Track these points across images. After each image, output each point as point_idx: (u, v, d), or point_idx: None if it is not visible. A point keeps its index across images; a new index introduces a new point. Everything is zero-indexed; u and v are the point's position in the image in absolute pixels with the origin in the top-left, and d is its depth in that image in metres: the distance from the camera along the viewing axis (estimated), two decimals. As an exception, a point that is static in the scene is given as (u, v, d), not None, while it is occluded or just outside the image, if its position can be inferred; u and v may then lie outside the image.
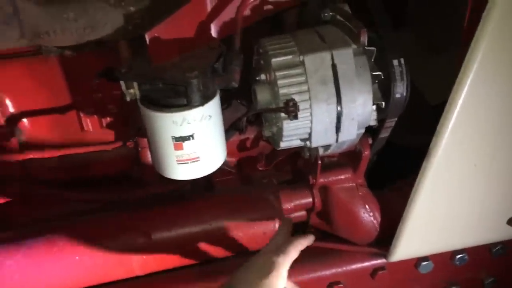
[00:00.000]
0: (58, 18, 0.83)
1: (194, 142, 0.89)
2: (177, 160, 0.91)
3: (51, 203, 1.15)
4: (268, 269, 0.82)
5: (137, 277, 1.13)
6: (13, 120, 1.07)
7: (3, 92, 1.04)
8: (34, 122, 1.09)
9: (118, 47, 1.00)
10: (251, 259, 0.88)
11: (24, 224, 1.12)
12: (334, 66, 0.87)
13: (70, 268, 1.04)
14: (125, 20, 0.87)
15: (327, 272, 1.18)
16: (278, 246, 0.90)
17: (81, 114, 1.10)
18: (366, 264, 1.19)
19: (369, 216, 1.13)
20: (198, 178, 1.13)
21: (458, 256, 1.21)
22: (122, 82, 0.85)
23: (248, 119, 1.05)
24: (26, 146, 1.09)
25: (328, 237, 1.23)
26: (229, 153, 1.08)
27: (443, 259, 1.22)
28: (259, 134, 1.19)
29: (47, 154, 1.05)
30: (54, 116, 1.09)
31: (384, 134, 1.05)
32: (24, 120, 1.08)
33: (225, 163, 1.12)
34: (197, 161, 0.92)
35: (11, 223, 1.15)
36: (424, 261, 1.21)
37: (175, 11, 0.88)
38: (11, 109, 1.07)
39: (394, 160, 1.23)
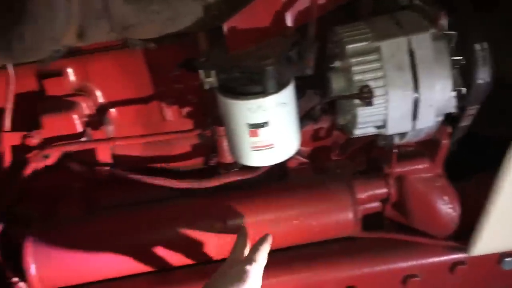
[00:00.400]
0: (143, 11, 0.89)
1: (269, 129, 0.91)
2: (252, 147, 0.93)
3: (136, 188, 1.22)
4: (242, 278, 0.84)
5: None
6: (103, 109, 1.15)
7: (94, 83, 1.12)
8: (121, 112, 1.16)
9: (197, 39, 1.04)
10: (222, 269, 0.90)
11: (111, 207, 1.20)
12: (411, 52, 0.86)
13: (151, 250, 1.10)
14: (204, 12, 0.90)
15: (404, 264, 1.16)
16: (246, 255, 0.94)
17: (163, 104, 1.16)
18: (445, 257, 1.16)
19: (447, 207, 1.10)
20: (272, 167, 1.16)
21: (546, 253, 1.14)
22: (201, 71, 0.89)
23: (322, 108, 1.06)
24: (113, 134, 1.17)
25: (403, 229, 1.21)
26: (302, 143, 1.08)
27: (530, 256, 1.15)
28: (333, 123, 1.19)
29: (131, 141, 1.12)
30: (138, 106, 1.16)
31: (465, 122, 1.01)
32: (112, 109, 1.16)
33: (298, 153, 1.14)
34: (271, 147, 0.94)
35: (99, 206, 1.24)
36: (508, 257, 1.15)
37: (251, 1, 0.91)
38: (101, 100, 1.15)
39: (475, 151, 1.18)
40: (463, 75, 0.90)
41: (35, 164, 1.09)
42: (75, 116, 1.09)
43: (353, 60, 0.87)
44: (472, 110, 0.98)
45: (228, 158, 1.16)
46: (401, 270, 1.17)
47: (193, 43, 1.05)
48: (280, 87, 0.88)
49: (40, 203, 1.23)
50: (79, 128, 1.10)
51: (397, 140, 1.00)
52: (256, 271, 0.87)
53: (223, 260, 1.15)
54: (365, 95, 0.86)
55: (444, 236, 1.14)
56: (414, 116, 0.89)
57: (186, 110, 1.17)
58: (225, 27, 0.92)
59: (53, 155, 1.09)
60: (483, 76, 0.90)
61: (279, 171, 1.25)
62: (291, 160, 1.23)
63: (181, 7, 0.90)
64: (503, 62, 0.94)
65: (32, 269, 1.10)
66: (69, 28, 0.88)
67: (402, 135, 0.99)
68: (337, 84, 0.95)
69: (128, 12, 0.89)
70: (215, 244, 1.12)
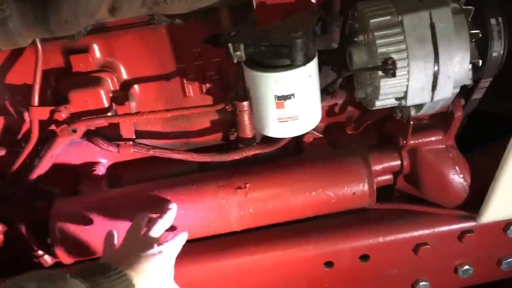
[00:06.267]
0: (175, -13, 0.92)
1: (295, 101, 0.95)
2: (278, 119, 0.98)
3: (156, 164, 1.26)
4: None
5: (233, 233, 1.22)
6: (126, 85, 1.18)
7: (119, 60, 1.15)
8: (143, 88, 1.19)
9: (220, 14, 1.07)
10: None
11: (134, 182, 1.24)
12: (432, 25, 0.90)
13: (176, 221, 1.14)
14: (233, -13, 0.94)
15: (415, 233, 1.22)
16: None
17: (184, 81, 1.19)
18: (454, 226, 1.22)
19: (459, 177, 1.15)
20: (288, 142, 1.20)
21: (550, 220, 1.20)
22: (230, 45, 0.92)
23: (340, 83, 1.10)
24: (136, 110, 1.20)
25: (412, 200, 1.26)
26: (318, 118, 1.13)
27: (535, 224, 1.21)
28: (348, 99, 1.23)
29: (157, 116, 1.15)
30: (160, 82, 1.19)
31: (477, 95, 1.06)
32: (135, 86, 1.19)
33: (314, 128, 1.17)
34: (296, 119, 0.98)
35: (121, 182, 1.27)
36: (514, 225, 1.21)
37: (278, -23, 0.95)
38: (125, 76, 1.18)
39: (482, 124, 1.24)
40: (479, 49, 0.95)
41: (63, 138, 1.11)
42: (101, 92, 1.12)
43: (377, 33, 0.92)
44: (485, 83, 1.03)
45: (248, 133, 1.19)
46: (412, 239, 1.22)
47: (216, 19, 1.08)
48: (306, 60, 0.92)
49: (62, 180, 1.26)
50: (106, 103, 1.13)
51: (413, 113, 1.06)
52: None
53: (245, 231, 1.22)
54: (389, 67, 0.90)
55: (454, 205, 1.20)
56: (433, 87, 0.94)
57: (206, 86, 1.20)
58: (254, 2, 0.95)
59: (80, 130, 1.12)
60: (497, 49, 0.96)
61: (295, 146, 1.29)
62: (307, 135, 1.27)
63: (211, -17, 0.94)
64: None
65: (59, 241, 1.13)
66: (103, 2, 0.91)
67: (419, 107, 1.04)
68: (358, 58, 0.99)
69: (161, -13, 0.92)
70: (236, 216, 1.16)
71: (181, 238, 1.03)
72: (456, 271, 1.27)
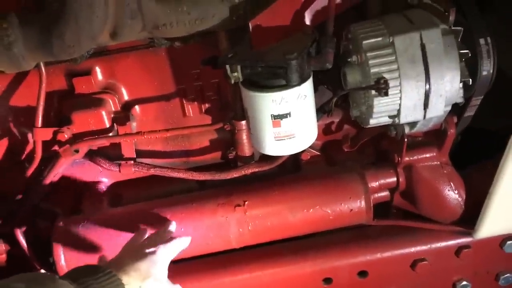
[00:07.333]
0: (174, 12, 0.96)
1: (291, 119, 0.98)
2: (275, 137, 1.00)
3: (157, 183, 1.28)
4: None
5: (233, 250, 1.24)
6: (128, 106, 1.21)
7: (120, 81, 1.19)
8: (144, 108, 1.22)
9: (217, 37, 1.11)
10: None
11: (134, 201, 1.26)
12: (423, 46, 0.93)
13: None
14: (230, 12, 0.98)
15: (412, 249, 1.23)
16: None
17: (184, 101, 1.22)
18: (451, 242, 1.23)
19: (454, 193, 1.17)
20: (286, 160, 1.22)
21: (546, 235, 1.22)
22: (227, 67, 0.95)
23: (336, 102, 1.13)
24: (137, 130, 1.22)
25: (409, 217, 1.28)
26: (315, 136, 1.15)
27: (530, 239, 1.22)
28: (344, 117, 1.26)
29: (154, 137, 1.18)
30: (160, 103, 1.22)
31: (469, 112, 1.09)
32: (136, 106, 1.22)
33: (311, 146, 1.20)
34: (293, 137, 1.00)
35: (122, 201, 1.29)
36: (510, 240, 1.22)
37: (273, 2, 0.98)
38: (126, 97, 1.21)
39: (475, 141, 1.26)
40: (469, 68, 0.98)
41: (65, 158, 1.14)
42: (103, 113, 1.15)
43: (370, 54, 0.95)
44: (476, 100, 1.06)
45: (246, 151, 1.22)
46: (410, 255, 1.23)
47: (213, 42, 1.12)
48: (301, 80, 0.95)
49: (64, 199, 1.28)
50: (107, 124, 1.16)
51: (407, 130, 1.08)
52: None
53: (244, 249, 1.23)
54: (382, 86, 0.93)
55: (450, 221, 1.21)
56: (425, 105, 0.97)
57: (205, 106, 1.23)
58: (251, 25, 0.99)
59: (82, 150, 1.14)
60: (487, 68, 0.99)
61: (293, 164, 1.31)
62: (304, 153, 1.29)
63: (209, 8, 0.97)
64: (505, 58, 1.03)
65: (62, 260, 1.14)
66: (105, 27, 0.94)
67: (412, 125, 1.06)
68: (352, 78, 1.02)
69: (160, 12, 0.96)
70: (236, 233, 1.18)
71: (179, 242, 1.03)
72: (455, 287, 1.28)
